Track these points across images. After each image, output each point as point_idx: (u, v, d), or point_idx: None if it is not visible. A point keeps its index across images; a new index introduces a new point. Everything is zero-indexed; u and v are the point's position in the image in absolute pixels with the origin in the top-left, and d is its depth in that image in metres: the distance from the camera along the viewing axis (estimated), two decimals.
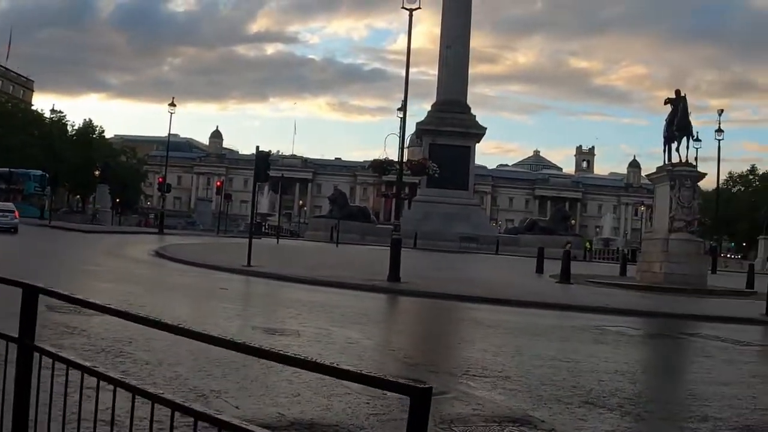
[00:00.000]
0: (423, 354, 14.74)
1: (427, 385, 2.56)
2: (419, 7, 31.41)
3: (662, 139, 37.78)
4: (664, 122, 37.96)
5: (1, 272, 4.90)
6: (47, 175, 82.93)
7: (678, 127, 36.62)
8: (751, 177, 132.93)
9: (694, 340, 19.39)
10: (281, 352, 2.98)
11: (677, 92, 37.96)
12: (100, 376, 3.87)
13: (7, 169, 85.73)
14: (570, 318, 22.38)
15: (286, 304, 21.35)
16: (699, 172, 37.66)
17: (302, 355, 2.98)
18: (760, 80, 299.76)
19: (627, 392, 11.19)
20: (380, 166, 37.76)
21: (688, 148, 36.93)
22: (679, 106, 37.01)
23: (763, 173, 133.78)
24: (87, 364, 4.04)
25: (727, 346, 18.04)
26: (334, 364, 2.80)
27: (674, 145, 36.73)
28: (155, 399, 3.48)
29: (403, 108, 33.52)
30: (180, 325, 3.56)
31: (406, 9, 31.47)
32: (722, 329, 21.01)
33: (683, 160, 36.49)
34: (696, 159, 40.55)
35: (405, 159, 36.68)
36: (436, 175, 65.48)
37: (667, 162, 37.18)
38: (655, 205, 39.72)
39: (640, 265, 39.30)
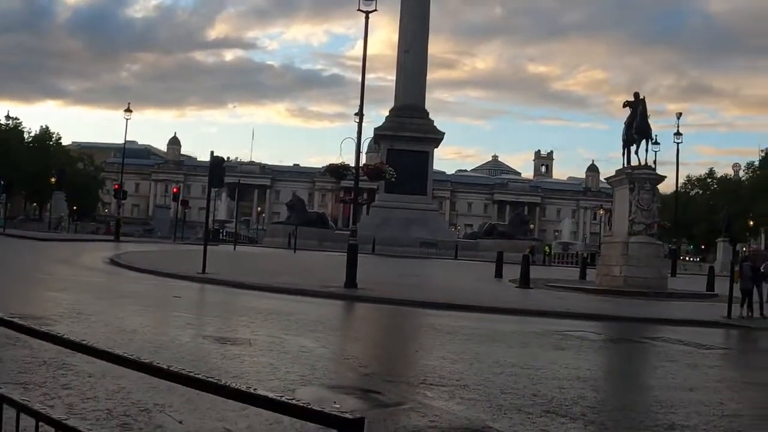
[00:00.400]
0: (379, 362, 14.37)
1: (358, 416, 2.15)
2: (375, 9, 31.08)
3: (621, 143, 37.74)
4: (624, 125, 37.89)
5: None
6: (2, 182, 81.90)
7: (637, 130, 36.59)
8: (709, 180, 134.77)
9: (657, 344, 19.20)
10: (191, 374, 2.56)
11: (636, 95, 37.90)
12: (4, 400, 3.48)
13: None
14: (530, 323, 22.17)
15: (239, 312, 20.93)
16: (658, 175, 37.63)
17: (216, 379, 2.55)
18: (716, 84, 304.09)
19: (590, 400, 10.88)
20: (336, 171, 37.50)
21: (647, 151, 36.96)
22: (638, 109, 36.99)
23: (721, 176, 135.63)
24: None
25: (691, 349, 17.87)
26: (251, 389, 2.38)
27: (633, 148, 36.72)
28: (59, 426, 3.16)
29: (360, 110, 33.13)
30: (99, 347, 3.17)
31: (363, 11, 31.13)
32: (684, 332, 20.97)
33: (642, 163, 36.45)
34: (655, 162, 40.51)
35: (362, 163, 36.32)
36: (393, 179, 65.44)
37: (626, 165, 37.18)
38: (614, 208, 39.61)
39: (599, 269, 39.19)
